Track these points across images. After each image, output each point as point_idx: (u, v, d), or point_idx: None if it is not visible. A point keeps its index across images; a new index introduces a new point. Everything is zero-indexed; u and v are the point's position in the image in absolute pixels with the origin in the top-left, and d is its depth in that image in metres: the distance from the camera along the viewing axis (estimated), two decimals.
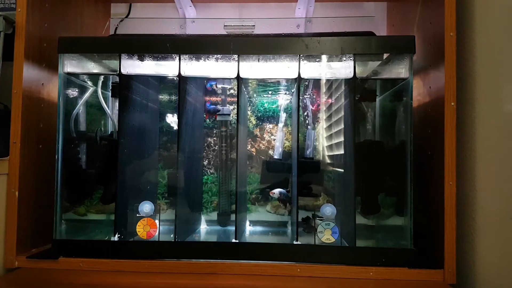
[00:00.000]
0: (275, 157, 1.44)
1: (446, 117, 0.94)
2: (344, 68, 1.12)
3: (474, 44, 1.01)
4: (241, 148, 1.49)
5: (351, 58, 1.06)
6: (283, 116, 1.48)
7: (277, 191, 1.27)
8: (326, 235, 1.06)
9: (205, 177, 1.52)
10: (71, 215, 1.43)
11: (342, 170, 1.27)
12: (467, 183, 1.01)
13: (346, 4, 1.75)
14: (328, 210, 1.06)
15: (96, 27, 1.54)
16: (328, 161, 1.41)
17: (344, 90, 1.26)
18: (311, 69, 1.15)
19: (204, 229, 1.47)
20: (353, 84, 1.06)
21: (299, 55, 1.05)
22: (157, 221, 1.07)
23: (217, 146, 1.53)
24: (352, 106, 1.06)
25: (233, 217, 1.47)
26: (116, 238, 1.07)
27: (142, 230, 1.06)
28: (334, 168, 1.37)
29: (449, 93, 0.94)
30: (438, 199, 1.00)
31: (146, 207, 1.05)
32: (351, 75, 1.07)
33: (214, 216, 1.49)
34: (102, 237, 1.21)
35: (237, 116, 1.11)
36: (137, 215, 1.06)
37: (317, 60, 1.10)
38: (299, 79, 1.07)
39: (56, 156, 1.08)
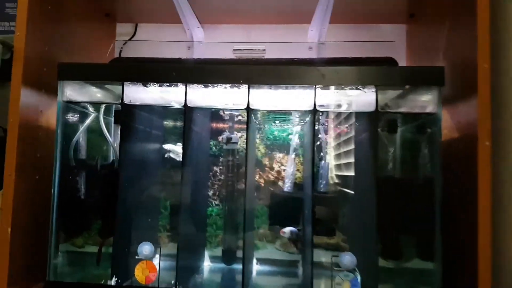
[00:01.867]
0: (286, 189, 1.39)
1: (480, 157, 0.89)
2: (362, 95, 1.08)
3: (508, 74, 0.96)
4: (249, 179, 1.45)
5: (373, 90, 1.01)
6: (294, 145, 1.43)
7: (287, 230, 1.22)
8: None
9: (210, 209, 1.47)
10: (68, 246, 1.38)
11: (358, 206, 1.21)
12: (502, 235, 0.95)
13: (361, 26, 1.72)
14: (347, 260, 0.99)
15: (102, 48, 1.53)
16: (341, 195, 1.35)
17: (357, 121, 1.21)
18: (327, 99, 1.11)
19: (208, 267, 1.40)
20: (375, 118, 1.01)
21: (315, 85, 1.01)
22: (156, 264, 1.01)
23: (223, 176, 1.48)
24: (374, 142, 1.02)
25: (239, 254, 1.41)
26: (113, 282, 1.01)
27: (140, 274, 1.00)
28: (349, 204, 1.31)
29: (483, 132, 0.88)
30: (467, 245, 0.93)
31: (145, 248, 1.00)
32: (370, 105, 1.02)
33: (218, 252, 1.43)
34: (100, 273, 1.15)
35: (246, 149, 1.06)
36: (136, 257, 1.00)
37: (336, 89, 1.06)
38: (314, 112, 1.03)
39: (52, 190, 1.03)
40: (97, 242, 1.38)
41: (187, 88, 1.05)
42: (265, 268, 1.40)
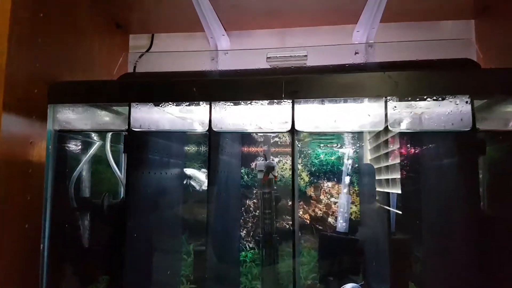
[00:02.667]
0: (339, 229, 1.12)
1: None
2: (438, 107, 0.81)
3: None
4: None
5: (457, 102, 0.75)
6: (347, 170, 1.17)
7: (349, 287, 0.94)
8: None
9: (243, 253, 1.22)
10: None
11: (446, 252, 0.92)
12: None
13: (416, 24, 1.45)
14: None
15: (112, 65, 1.34)
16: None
17: (435, 142, 0.94)
18: (397, 114, 0.84)
19: None
20: (472, 138, 0.74)
21: (385, 97, 0.75)
22: None
23: (258, 212, 1.23)
24: (472, 168, 0.74)
25: None
26: None
27: None
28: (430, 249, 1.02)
29: None
30: None
31: None
32: (456, 120, 0.75)
33: None
34: None
35: (292, 179, 0.81)
36: None
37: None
38: (386, 131, 0.76)
39: (42, 244, 0.82)
40: None
41: (212, 107, 0.82)
42: None
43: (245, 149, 1.26)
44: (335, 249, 1.11)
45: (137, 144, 0.85)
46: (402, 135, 0.89)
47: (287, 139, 1.23)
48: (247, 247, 1.22)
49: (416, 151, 0.99)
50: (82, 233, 1.03)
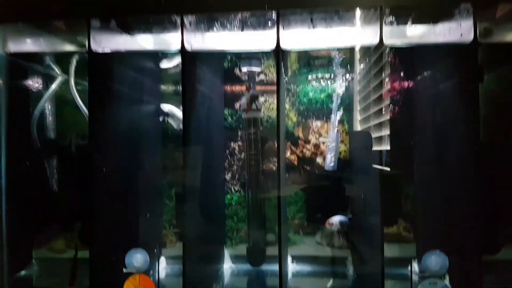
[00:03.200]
0: (328, 168, 1.07)
1: None
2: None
3: None
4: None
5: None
6: (337, 106, 1.11)
7: (336, 220, 0.91)
8: None
9: (228, 196, 1.17)
10: (45, 253, 1.12)
11: (439, 182, 0.89)
12: None
13: None
14: (436, 261, 0.69)
15: None
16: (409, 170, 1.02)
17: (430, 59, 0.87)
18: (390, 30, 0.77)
19: (229, 271, 1.12)
20: (472, 53, 0.67)
21: (381, 7, 0.67)
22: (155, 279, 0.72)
23: (243, 154, 1.18)
24: (471, 91, 0.68)
25: (268, 251, 1.11)
26: None
27: None
28: (423, 181, 0.98)
29: None
30: None
31: (137, 258, 0.71)
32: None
33: (241, 249, 1.14)
34: None
35: (278, 111, 0.75)
36: (124, 269, 0.71)
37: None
38: (380, 47, 0.69)
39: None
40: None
41: (185, 26, 0.73)
42: (303, 268, 1.10)
43: (228, 88, 1.18)
44: (323, 187, 1.07)
45: (100, 70, 0.76)
46: (396, 53, 0.82)
47: (273, 75, 1.15)
48: (233, 190, 1.17)
49: (411, 75, 0.93)
50: (50, 177, 0.96)
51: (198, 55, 0.80)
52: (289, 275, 1.10)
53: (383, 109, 0.79)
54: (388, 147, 0.80)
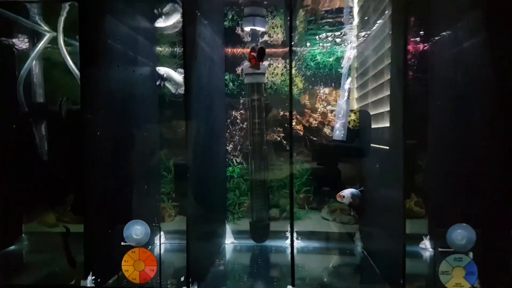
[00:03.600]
0: (336, 137, 1.01)
1: None
2: None
3: None
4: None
5: None
6: (347, 73, 1.04)
7: (347, 192, 0.86)
8: (456, 278, 0.64)
9: (230, 168, 1.12)
10: (36, 227, 1.06)
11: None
12: None
13: None
14: (462, 235, 0.64)
15: None
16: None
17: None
18: None
19: (231, 247, 1.07)
20: None
21: None
22: (156, 254, 0.67)
23: (246, 124, 1.11)
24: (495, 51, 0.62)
25: (272, 226, 1.07)
26: (89, 283, 0.68)
27: (131, 268, 0.66)
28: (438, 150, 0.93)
29: None
30: None
31: (136, 230, 0.65)
32: None
33: (243, 224, 1.10)
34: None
35: (290, 70, 0.68)
36: (122, 243, 0.66)
37: None
38: None
39: None
40: (77, 219, 1.06)
41: None
42: (309, 244, 1.06)
43: (229, 50, 1.10)
44: (331, 158, 1.02)
45: (92, 20, 0.68)
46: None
47: (278, 37, 1.08)
48: (235, 162, 1.11)
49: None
50: (39, 145, 0.89)
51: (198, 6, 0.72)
52: (294, 251, 1.05)
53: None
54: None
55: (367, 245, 0.99)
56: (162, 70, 1.02)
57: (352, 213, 0.88)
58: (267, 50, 1.10)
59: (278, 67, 1.11)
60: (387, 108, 0.78)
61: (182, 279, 0.70)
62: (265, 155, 1.05)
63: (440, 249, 0.66)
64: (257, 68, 0.89)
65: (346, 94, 1.03)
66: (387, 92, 0.77)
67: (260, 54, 0.88)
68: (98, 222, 0.73)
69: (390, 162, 0.74)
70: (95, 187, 0.74)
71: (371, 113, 0.92)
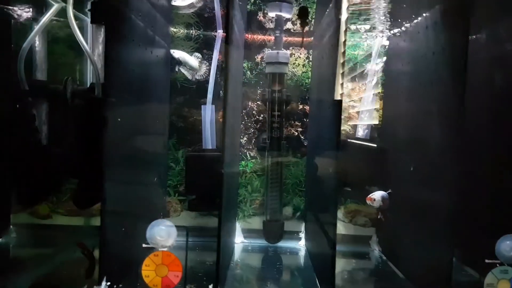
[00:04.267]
0: (360, 136, 0.97)
1: None
2: None
3: None
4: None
5: None
6: (375, 66, 0.99)
7: (378, 195, 0.82)
8: None
9: (243, 163, 1.05)
10: (26, 218, 0.98)
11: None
12: None
13: None
14: (510, 246, 0.61)
15: None
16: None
17: None
18: None
19: (241, 247, 1.01)
20: None
21: None
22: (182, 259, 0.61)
23: (262, 116, 1.05)
24: None
25: (287, 226, 1.02)
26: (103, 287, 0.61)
27: (152, 274, 0.60)
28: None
29: None
30: None
31: (161, 231, 0.59)
32: None
33: (254, 223, 1.04)
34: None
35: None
36: (144, 245, 0.59)
37: None
38: None
39: None
40: (71, 211, 0.97)
41: None
42: None
43: (249, 36, 1.03)
44: (353, 157, 0.97)
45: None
46: None
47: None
48: (248, 156, 1.05)
49: None
50: (39, 126, 0.81)
51: None
52: (305, 253, 1.01)
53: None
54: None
55: (388, 250, 0.95)
56: (177, 53, 0.95)
57: (379, 216, 0.84)
58: (289, 39, 1.04)
59: (300, 57, 1.05)
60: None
61: (211, 287, 0.64)
62: (284, 150, 1.00)
63: (486, 261, 0.63)
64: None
65: (373, 90, 0.98)
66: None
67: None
68: (115, 219, 0.66)
69: (437, 164, 0.69)
70: (114, 179, 0.67)
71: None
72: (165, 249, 0.60)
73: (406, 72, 0.85)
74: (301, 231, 1.06)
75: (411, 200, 0.79)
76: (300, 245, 1.04)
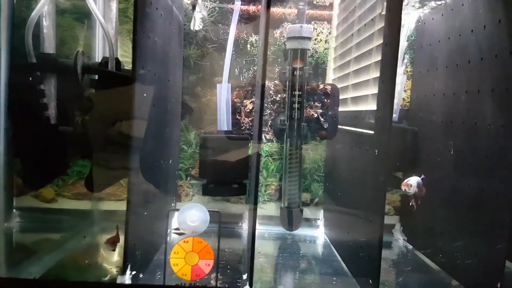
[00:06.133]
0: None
1: None
2: None
3: None
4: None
5: None
6: (405, 46, 0.97)
7: (414, 181, 0.80)
8: None
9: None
10: (31, 201, 0.95)
11: None
12: None
13: None
14: None
15: None
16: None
17: None
18: None
19: (257, 234, 1.00)
20: None
21: None
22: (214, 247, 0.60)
23: (279, 96, 1.03)
24: None
25: (306, 213, 1.01)
26: (127, 278, 0.60)
27: (182, 262, 0.59)
28: None
29: None
30: None
31: (193, 215, 0.57)
32: None
33: (270, 209, 1.03)
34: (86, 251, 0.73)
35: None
36: (173, 231, 0.58)
37: None
38: None
39: None
40: (79, 194, 0.95)
41: None
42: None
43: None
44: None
45: None
46: None
47: None
48: (264, 138, 1.03)
49: None
50: (47, 102, 0.78)
51: None
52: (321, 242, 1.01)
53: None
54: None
55: (418, 240, 0.94)
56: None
57: (411, 203, 0.83)
58: (311, 12, 1.01)
59: (322, 32, 1.02)
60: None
61: (245, 276, 0.63)
62: (304, 133, 0.98)
63: None
64: None
65: (403, 68, 0.96)
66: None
67: None
68: (142, 204, 0.64)
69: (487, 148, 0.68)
70: (110, 157, 0.65)
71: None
72: (196, 235, 0.59)
73: (445, 48, 0.83)
74: (319, 219, 1.05)
75: (451, 188, 0.78)
76: (318, 233, 1.04)
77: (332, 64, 1.04)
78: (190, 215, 0.58)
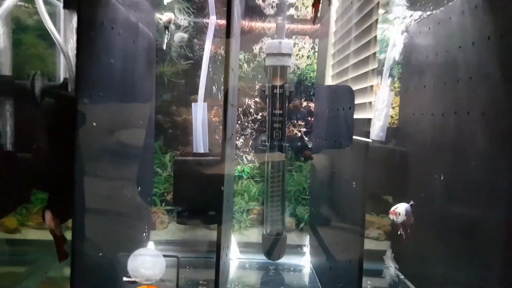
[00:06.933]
0: (375, 138, 0.90)
1: None
2: None
3: None
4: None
5: None
6: (392, 60, 0.92)
7: (402, 209, 0.75)
8: None
9: (238, 168, 0.98)
10: None
11: None
12: None
13: None
14: None
15: None
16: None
17: None
18: None
19: (237, 264, 0.95)
20: None
21: None
22: None
23: (260, 115, 0.98)
24: None
25: (292, 239, 0.95)
26: None
27: None
28: None
29: None
30: None
31: (146, 262, 0.52)
32: None
33: (251, 235, 0.98)
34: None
35: None
36: (124, 278, 0.52)
37: None
38: None
39: None
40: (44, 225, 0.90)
41: None
42: None
43: (246, 24, 0.96)
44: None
45: None
46: None
47: (308, 11, 0.94)
48: (245, 159, 0.98)
49: None
50: (2, 126, 0.73)
51: None
52: (308, 270, 0.95)
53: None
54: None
55: (410, 269, 0.89)
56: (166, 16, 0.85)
57: (400, 232, 0.78)
58: (292, 26, 0.96)
59: (304, 47, 0.97)
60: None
61: None
62: (286, 153, 0.93)
63: None
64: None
65: (389, 83, 0.91)
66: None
67: None
68: (90, 238, 0.58)
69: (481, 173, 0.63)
70: (76, 184, 0.59)
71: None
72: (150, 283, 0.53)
73: (433, 65, 0.78)
74: (305, 245, 0.99)
75: (442, 214, 0.73)
76: (305, 261, 0.98)
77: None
78: (144, 262, 0.52)
